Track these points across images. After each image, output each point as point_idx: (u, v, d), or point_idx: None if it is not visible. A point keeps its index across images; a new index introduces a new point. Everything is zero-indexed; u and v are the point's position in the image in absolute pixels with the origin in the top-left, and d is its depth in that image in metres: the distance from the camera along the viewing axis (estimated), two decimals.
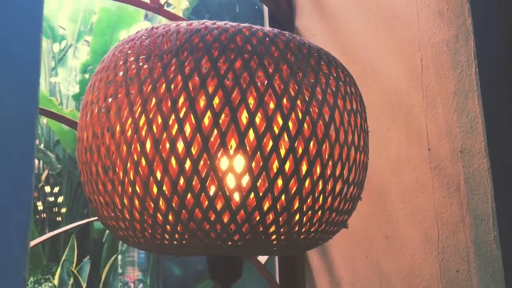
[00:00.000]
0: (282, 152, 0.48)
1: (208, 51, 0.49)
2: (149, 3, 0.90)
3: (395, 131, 0.87)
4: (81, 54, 4.70)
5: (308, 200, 0.49)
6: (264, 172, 0.47)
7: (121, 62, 0.52)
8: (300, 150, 0.49)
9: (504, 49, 0.83)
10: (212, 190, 0.47)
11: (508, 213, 0.72)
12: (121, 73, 0.52)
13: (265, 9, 1.16)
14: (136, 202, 0.49)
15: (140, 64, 0.51)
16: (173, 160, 0.47)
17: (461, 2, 0.80)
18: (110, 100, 0.51)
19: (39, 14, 0.25)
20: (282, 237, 0.50)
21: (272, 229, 0.49)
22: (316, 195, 0.50)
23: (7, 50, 0.24)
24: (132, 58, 0.52)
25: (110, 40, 3.71)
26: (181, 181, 0.47)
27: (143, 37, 0.53)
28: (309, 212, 0.50)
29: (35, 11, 0.25)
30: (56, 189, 3.87)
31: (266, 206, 0.48)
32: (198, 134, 0.46)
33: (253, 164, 0.47)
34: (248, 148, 0.47)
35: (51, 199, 3.83)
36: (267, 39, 0.51)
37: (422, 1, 0.85)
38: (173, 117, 0.47)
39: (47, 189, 3.86)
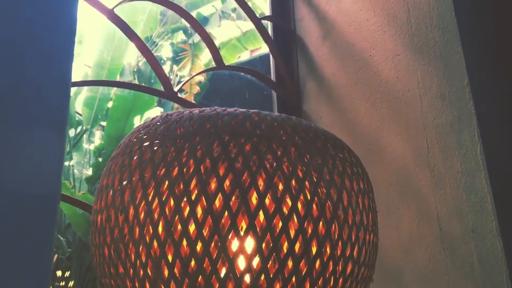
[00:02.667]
0: (292, 233, 0.48)
1: (219, 136, 0.51)
2: (164, 91, 0.95)
3: (405, 211, 0.87)
4: (95, 138, 4.83)
5: (319, 282, 0.49)
6: (274, 253, 0.47)
7: (136, 147, 0.55)
8: (309, 231, 0.49)
9: (508, 128, 0.85)
10: (223, 271, 0.47)
11: None
12: (135, 158, 0.54)
13: (274, 94, 1.21)
14: (147, 285, 0.49)
15: (155, 148, 0.53)
16: (184, 242, 0.48)
17: (462, 85, 0.83)
18: (124, 183, 0.53)
19: (64, 116, 0.27)
20: None
21: None
22: (327, 276, 0.50)
23: (33, 140, 0.26)
24: (147, 143, 0.54)
25: (124, 125, 3.83)
26: (192, 263, 0.47)
27: (158, 123, 0.55)
28: None
29: (60, 113, 0.27)
30: (66, 274, 3.81)
31: (277, 287, 0.48)
32: (209, 216, 0.47)
33: (263, 245, 0.47)
34: (258, 229, 0.47)
35: (62, 283, 3.76)
36: (275, 123, 0.54)
37: (424, 85, 0.89)
38: (185, 199, 0.48)
39: (58, 273, 3.80)
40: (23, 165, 0.27)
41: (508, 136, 0.84)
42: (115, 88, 4.21)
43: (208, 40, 1.06)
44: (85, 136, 4.60)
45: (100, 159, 4.07)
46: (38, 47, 0.27)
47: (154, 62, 0.97)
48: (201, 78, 4.51)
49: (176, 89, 0.97)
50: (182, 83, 1.06)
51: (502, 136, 0.84)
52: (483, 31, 0.93)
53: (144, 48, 0.97)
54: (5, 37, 0.27)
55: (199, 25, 1.09)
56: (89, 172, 4.38)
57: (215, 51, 1.07)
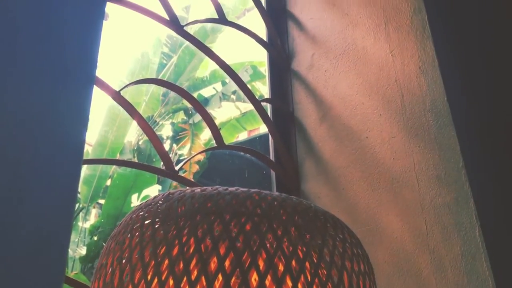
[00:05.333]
0: None
1: (220, 215, 0.52)
2: (165, 169, 0.97)
3: None
4: (91, 216, 4.78)
5: None
6: None
7: (137, 225, 0.55)
8: None
9: (505, 209, 0.85)
10: None
11: None
12: (136, 236, 0.54)
13: (273, 173, 1.23)
14: None
15: (156, 227, 0.53)
16: None
17: (457, 167, 0.85)
18: (123, 262, 0.53)
19: (73, 195, 0.29)
20: None
21: None
22: None
23: (44, 219, 0.27)
24: (148, 222, 0.54)
25: (123, 204, 3.81)
26: None
27: (160, 202, 0.56)
28: None
29: (71, 188, 0.28)
30: None
31: None
32: None
33: None
34: None
35: None
36: (276, 203, 0.55)
37: (420, 166, 0.91)
38: (185, 279, 0.48)
39: None
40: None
41: (507, 217, 0.84)
42: (114, 166, 4.24)
43: (209, 120, 1.10)
44: (81, 214, 4.56)
45: (96, 238, 4.00)
46: (52, 128, 0.29)
47: (156, 141, 1.00)
48: (200, 157, 4.56)
49: (177, 167, 0.99)
50: (184, 161, 1.09)
51: (500, 217, 0.84)
52: (476, 115, 0.96)
53: (146, 127, 1.00)
54: (23, 118, 0.28)
55: (200, 106, 1.13)
56: (83, 251, 4.29)
57: (216, 131, 1.10)
